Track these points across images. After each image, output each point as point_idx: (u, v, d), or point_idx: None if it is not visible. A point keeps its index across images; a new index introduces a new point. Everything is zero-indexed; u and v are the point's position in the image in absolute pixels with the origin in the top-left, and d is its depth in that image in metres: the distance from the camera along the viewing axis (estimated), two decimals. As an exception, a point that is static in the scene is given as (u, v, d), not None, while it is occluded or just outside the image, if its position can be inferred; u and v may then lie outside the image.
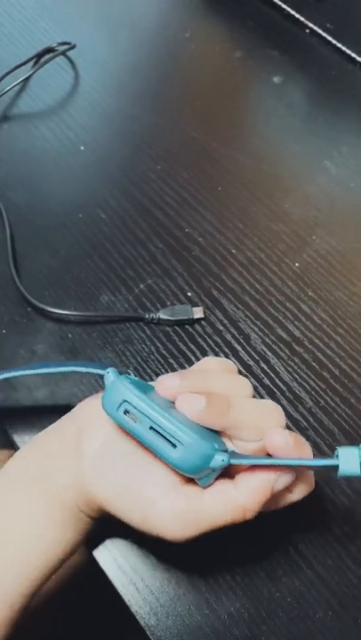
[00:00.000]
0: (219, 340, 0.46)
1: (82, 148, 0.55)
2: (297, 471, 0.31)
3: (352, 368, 0.45)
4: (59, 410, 0.42)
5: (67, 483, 0.33)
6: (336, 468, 0.29)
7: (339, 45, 0.63)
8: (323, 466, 0.29)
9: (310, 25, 0.65)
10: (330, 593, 0.37)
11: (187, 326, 0.46)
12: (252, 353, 0.45)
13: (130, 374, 0.34)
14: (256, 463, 0.30)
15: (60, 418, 0.42)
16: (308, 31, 0.65)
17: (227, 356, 0.45)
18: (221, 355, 0.45)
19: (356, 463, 0.28)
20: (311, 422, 0.43)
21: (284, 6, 0.66)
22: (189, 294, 0.48)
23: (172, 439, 0.29)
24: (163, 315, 0.45)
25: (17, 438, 0.41)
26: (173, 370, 0.44)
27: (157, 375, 0.44)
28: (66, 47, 0.60)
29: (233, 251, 0.50)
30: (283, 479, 0.31)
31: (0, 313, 0.46)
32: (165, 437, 0.29)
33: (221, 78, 0.62)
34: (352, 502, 0.40)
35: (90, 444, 0.33)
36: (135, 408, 0.30)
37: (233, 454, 0.31)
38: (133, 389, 0.30)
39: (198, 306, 0.46)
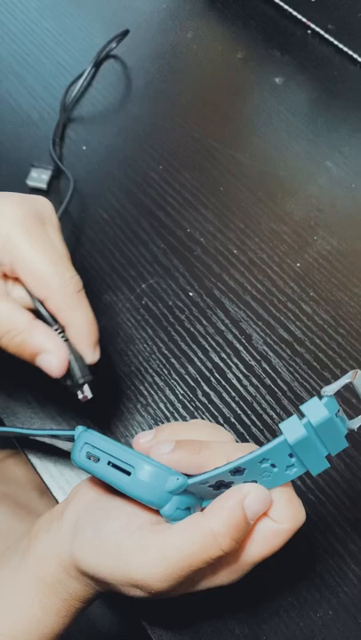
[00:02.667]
0: (220, 340, 0.46)
1: (84, 148, 0.55)
2: (274, 491, 0.30)
3: (353, 368, 0.45)
4: (60, 408, 0.42)
5: (48, 551, 0.32)
6: (285, 442, 0.28)
7: (340, 46, 0.63)
8: (273, 449, 0.28)
9: (312, 26, 0.65)
10: (330, 593, 0.37)
11: (187, 323, 0.46)
12: (254, 353, 0.45)
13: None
14: (213, 475, 0.29)
15: (60, 417, 0.42)
16: (309, 32, 0.65)
17: (228, 357, 0.45)
18: (223, 355, 0.45)
19: (298, 426, 0.27)
20: (312, 422, 0.43)
21: (285, 7, 0.66)
22: (191, 294, 0.48)
23: (127, 467, 0.29)
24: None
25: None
26: (175, 370, 0.44)
27: (159, 375, 0.44)
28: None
29: (235, 251, 0.50)
30: (253, 497, 0.29)
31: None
32: (122, 469, 0.30)
33: (223, 79, 0.62)
34: (353, 502, 0.40)
35: (71, 510, 0.32)
36: (95, 447, 0.31)
37: (192, 477, 0.29)
38: (95, 433, 0.31)
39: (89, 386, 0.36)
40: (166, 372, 0.44)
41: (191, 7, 0.67)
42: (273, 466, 0.29)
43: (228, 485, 0.30)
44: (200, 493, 0.30)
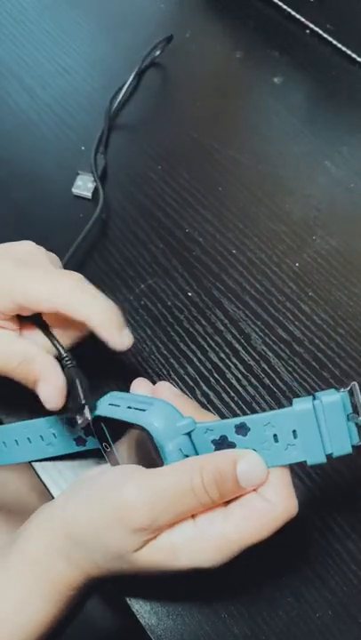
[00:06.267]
0: (219, 340, 0.46)
1: (83, 148, 0.55)
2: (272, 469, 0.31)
3: (352, 368, 0.45)
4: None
5: (37, 526, 0.33)
6: (292, 412, 0.29)
7: (339, 46, 0.63)
8: (279, 414, 0.30)
9: (311, 25, 0.65)
10: (330, 593, 0.37)
11: (187, 325, 0.46)
12: (253, 353, 0.45)
13: None
14: (219, 423, 0.31)
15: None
16: (308, 31, 0.65)
17: (227, 357, 0.45)
18: (222, 355, 0.45)
19: (308, 402, 0.29)
20: (311, 422, 0.43)
21: (284, 7, 0.66)
22: (190, 294, 0.48)
23: (143, 406, 0.32)
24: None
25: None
26: (175, 370, 0.44)
27: (158, 375, 0.44)
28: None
29: (233, 251, 0.50)
30: (248, 460, 0.30)
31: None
32: (139, 409, 0.33)
33: (222, 78, 0.62)
34: (353, 502, 0.40)
35: (65, 490, 0.34)
36: (116, 398, 0.34)
37: (200, 423, 0.32)
38: (116, 392, 0.35)
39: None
40: (165, 372, 0.44)
41: (189, 7, 0.67)
42: (275, 439, 0.30)
43: (230, 446, 0.31)
44: (202, 450, 0.32)
